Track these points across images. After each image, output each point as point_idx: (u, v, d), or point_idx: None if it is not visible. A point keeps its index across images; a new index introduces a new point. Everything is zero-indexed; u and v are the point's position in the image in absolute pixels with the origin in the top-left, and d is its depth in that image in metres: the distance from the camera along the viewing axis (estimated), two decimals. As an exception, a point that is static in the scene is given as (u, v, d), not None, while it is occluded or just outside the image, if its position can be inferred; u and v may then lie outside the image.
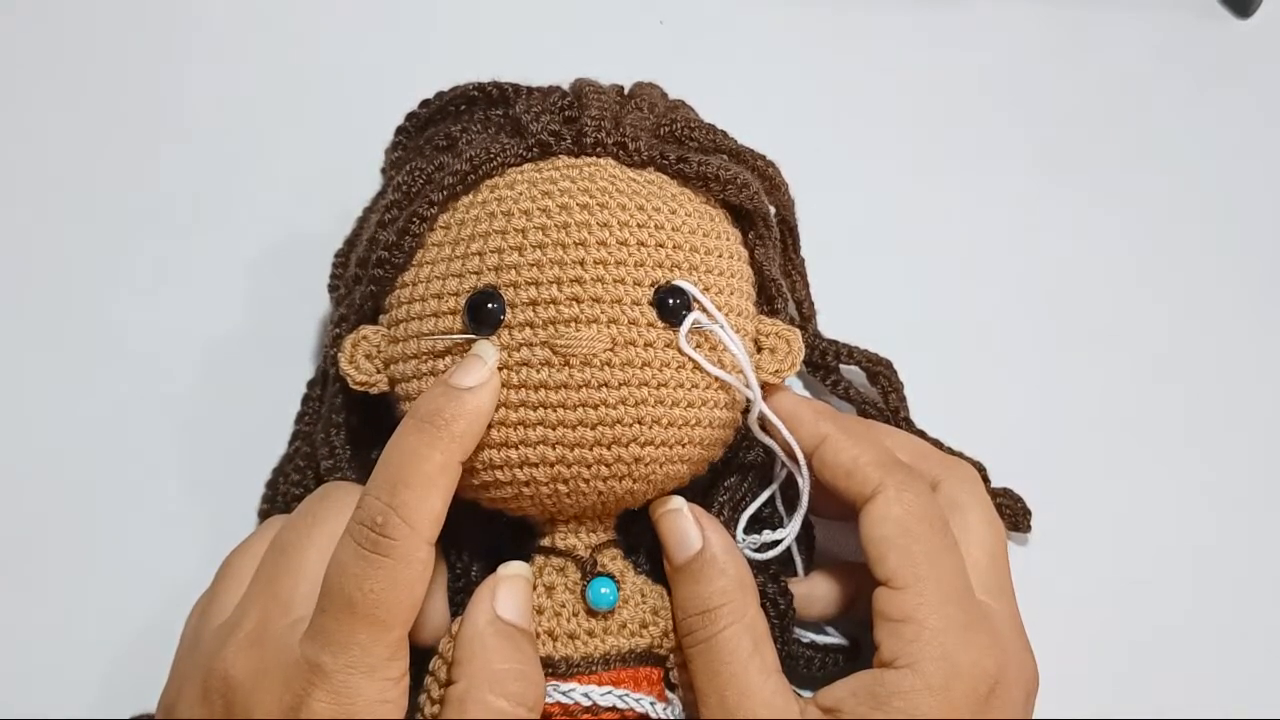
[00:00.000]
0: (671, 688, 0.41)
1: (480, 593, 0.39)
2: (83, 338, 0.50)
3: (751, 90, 0.55)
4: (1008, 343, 0.52)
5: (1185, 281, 0.54)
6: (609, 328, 0.39)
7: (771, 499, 0.44)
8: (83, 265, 0.51)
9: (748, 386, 0.40)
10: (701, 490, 0.43)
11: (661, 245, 0.40)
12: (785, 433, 0.41)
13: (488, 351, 0.39)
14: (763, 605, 0.41)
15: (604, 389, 0.38)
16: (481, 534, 0.43)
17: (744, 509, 0.43)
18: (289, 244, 0.50)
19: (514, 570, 0.40)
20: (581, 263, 0.39)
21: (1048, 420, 0.51)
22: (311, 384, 0.47)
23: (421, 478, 0.36)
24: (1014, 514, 0.47)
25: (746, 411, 0.41)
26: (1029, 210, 0.54)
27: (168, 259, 0.51)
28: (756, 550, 0.43)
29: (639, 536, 0.43)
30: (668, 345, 0.39)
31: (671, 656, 0.41)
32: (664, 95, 0.46)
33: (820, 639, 0.45)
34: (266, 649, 0.36)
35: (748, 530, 0.43)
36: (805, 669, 0.44)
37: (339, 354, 0.42)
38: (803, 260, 0.49)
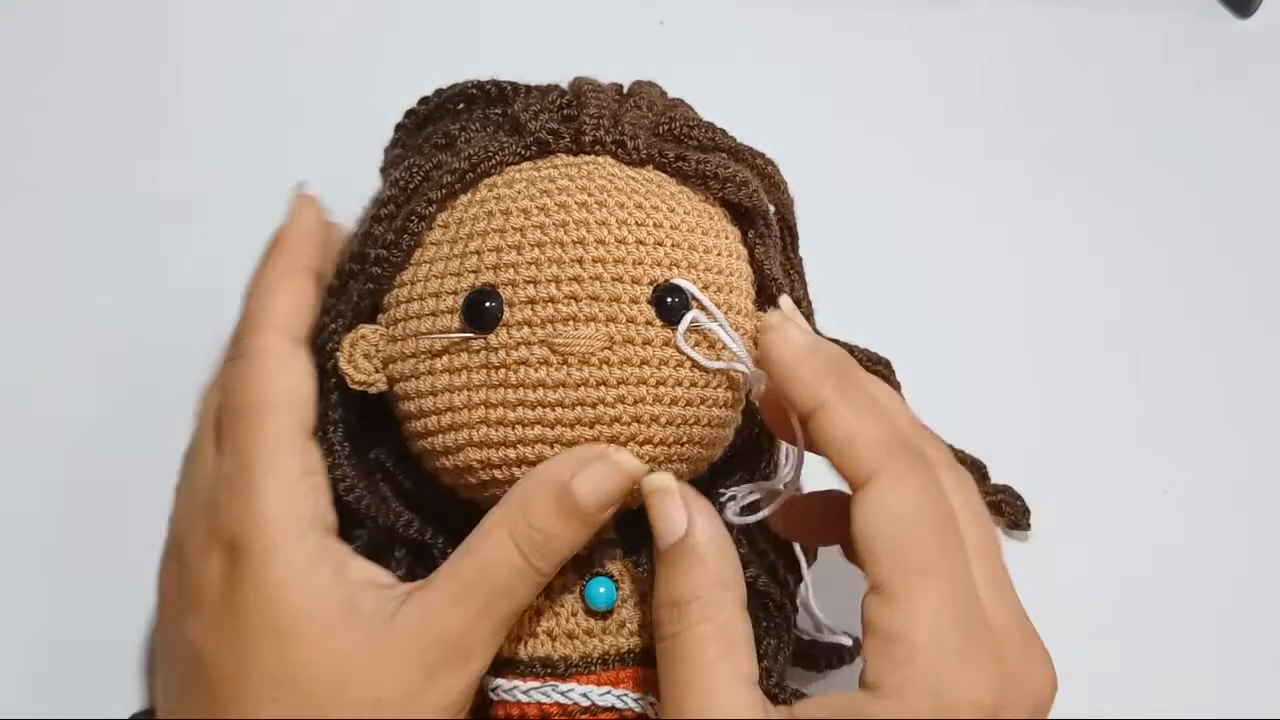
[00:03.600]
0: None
1: (562, 458, 0.38)
2: (82, 338, 0.50)
3: (751, 90, 0.55)
4: (1007, 341, 0.52)
5: (1185, 281, 0.54)
6: (607, 326, 0.39)
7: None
8: (83, 265, 0.51)
9: (745, 378, 0.40)
10: (703, 488, 0.43)
11: (660, 244, 0.40)
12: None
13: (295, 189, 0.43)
14: (762, 602, 0.41)
15: (602, 388, 0.38)
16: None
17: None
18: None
19: (622, 460, 0.38)
20: (580, 261, 0.39)
21: (1047, 419, 0.51)
22: None
23: (263, 285, 0.40)
24: (1013, 512, 0.47)
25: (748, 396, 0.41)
26: (1029, 210, 0.54)
27: (168, 259, 0.51)
28: (741, 514, 0.41)
29: (641, 536, 0.43)
30: (666, 344, 0.39)
31: None
32: (663, 93, 0.46)
33: (822, 638, 0.45)
34: (194, 489, 0.39)
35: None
36: (807, 667, 0.44)
37: (338, 353, 0.42)
38: (801, 259, 0.49)
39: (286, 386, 0.38)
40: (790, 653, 0.43)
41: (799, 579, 0.46)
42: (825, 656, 0.45)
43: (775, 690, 0.42)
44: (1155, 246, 0.54)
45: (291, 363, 0.39)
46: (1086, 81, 0.58)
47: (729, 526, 0.39)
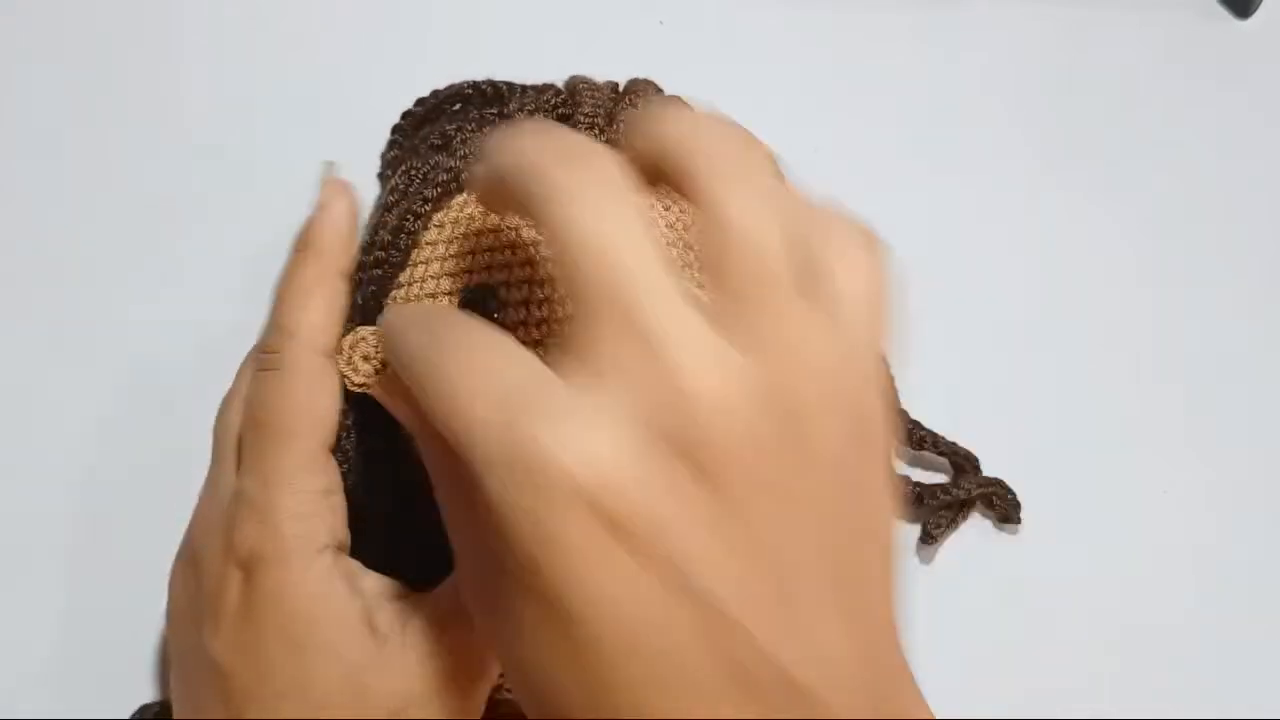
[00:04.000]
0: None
1: None
2: (82, 338, 0.50)
3: (751, 90, 0.54)
4: (1005, 339, 0.52)
5: (1185, 281, 0.54)
6: None
7: None
8: (82, 265, 0.51)
9: None
10: None
11: None
12: None
13: (326, 171, 0.41)
14: None
15: None
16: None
17: None
18: (289, 244, 0.50)
19: None
20: None
21: (1045, 418, 0.51)
22: None
23: (296, 292, 0.39)
24: (1003, 506, 0.48)
25: None
26: (1027, 208, 0.54)
27: (168, 259, 0.51)
28: None
29: None
30: None
31: None
32: (659, 91, 0.46)
33: None
34: (214, 501, 0.38)
35: None
36: None
37: (336, 355, 0.42)
38: None
39: (315, 405, 0.38)
40: None
41: None
42: None
43: None
44: (1155, 246, 0.54)
45: (322, 381, 0.39)
46: (1086, 81, 0.58)
47: None
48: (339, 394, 0.40)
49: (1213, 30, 0.59)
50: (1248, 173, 0.56)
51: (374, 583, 0.38)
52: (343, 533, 0.38)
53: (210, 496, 0.40)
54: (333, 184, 0.41)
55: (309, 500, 0.37)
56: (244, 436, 0.38)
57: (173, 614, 0.40)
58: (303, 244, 0.41)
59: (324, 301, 0.40)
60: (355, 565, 0.38)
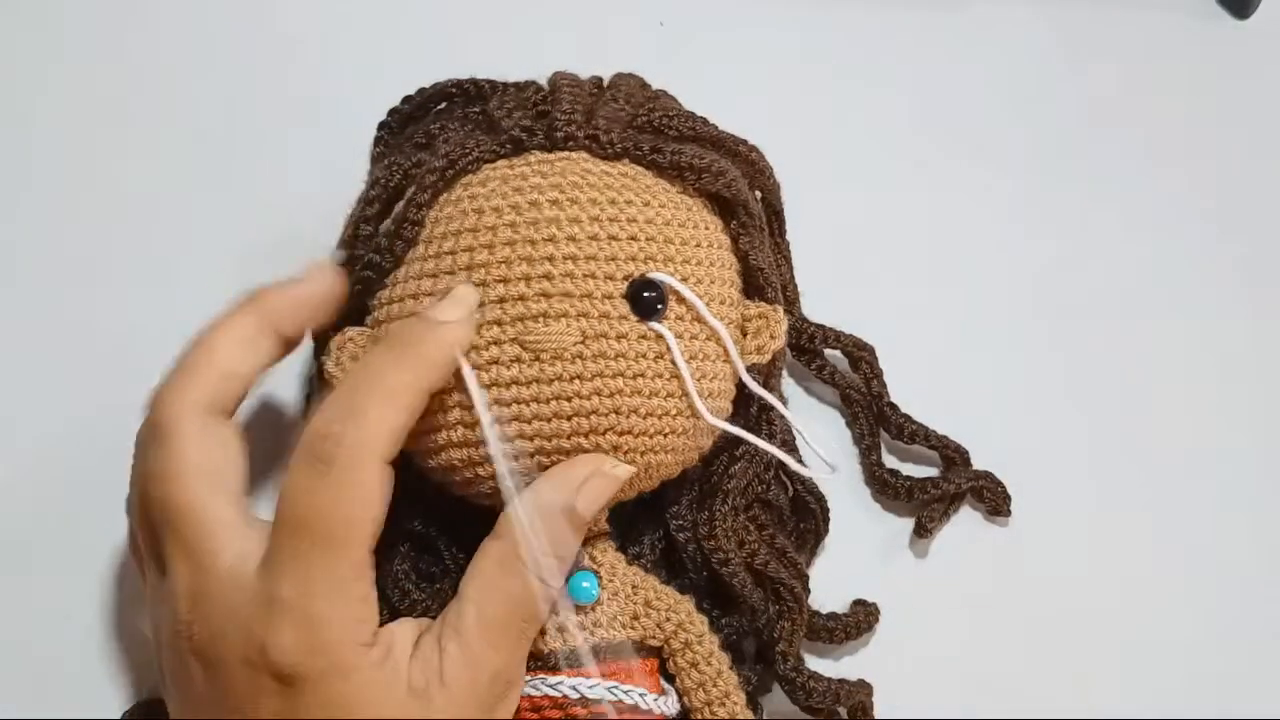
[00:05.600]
0: (670, 679, 0.41)
1: (557, 480, 0.38)
2: (81, 338, 0.50)
3: (752, 90, 0.55)
4: (1003, 336, 0.52)
5: (1182, 281, 0.54)
6: (578, 321, 0.39)
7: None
8: (81, 264, 0.51)
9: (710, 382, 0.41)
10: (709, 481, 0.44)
11: (634, 238, 0.40)
12: (771, 399, 0.42)
13: (468, 294, 0.39)
14: (774, 588, 0.42)
15: (576, 381, 0.39)
16: (480, 529, 0.43)
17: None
18: (287, 244, 0.50)
19: (619, 471, 0.39)
20: (550, 258, 0.39)
21: (1032, 409, 0.51)
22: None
23: (383, 392, 0.36)
24: (993, 498, 0.48)
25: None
26: (1025, 208, 0.54)
27: (166, 258, 0.51)
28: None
29: (645, 526, 0.43)
30: (642, 337, 0.39)
31: (666, 647, 0.41)
32: (644, 85, 0.46)
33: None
34: (215, 598, 0.35)
35: None
36: (827, 639, 0.45)
37: (325, 356, 0.42)
38: (788, 244, 0.49)
39: (374, 518, 0.36)
40: (804, 632, 0.44)
41: (811, 558, 0.46)
42: (842, 629, 0.45)
43: (793, 673, 0.42)
44: (1152, 245, 0.54)
45: (384, 490, 0.36)
46: (1086, 81, 0.58)
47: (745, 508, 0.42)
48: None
49: (1212, 30, 0.59)
50: (1247, 172, 0.56)
51: (404, 643, 0.37)
52: (377, 610, 0.36)
53: (157, 604, 0.38)
54: (465, 307, 0.39)
55: (358, 607, 0.35)
56: (281, 537, 0.35)
57: (181, 703, 0.38)
58: (409, 344, 0.37)
59: (409, 412, 0.37)
60: (388, 634, 0.36)
